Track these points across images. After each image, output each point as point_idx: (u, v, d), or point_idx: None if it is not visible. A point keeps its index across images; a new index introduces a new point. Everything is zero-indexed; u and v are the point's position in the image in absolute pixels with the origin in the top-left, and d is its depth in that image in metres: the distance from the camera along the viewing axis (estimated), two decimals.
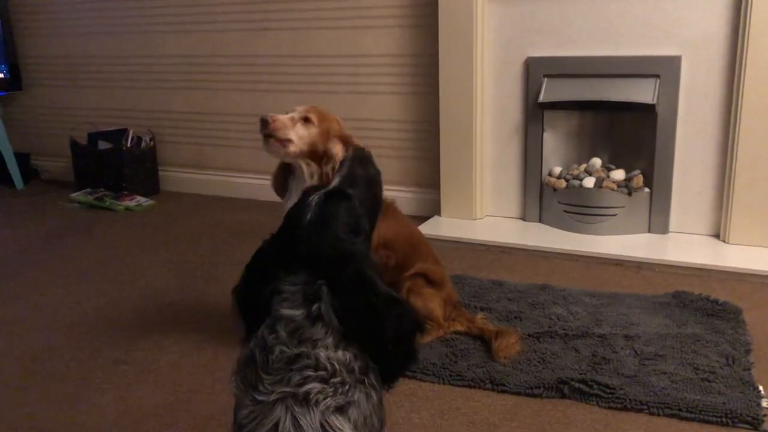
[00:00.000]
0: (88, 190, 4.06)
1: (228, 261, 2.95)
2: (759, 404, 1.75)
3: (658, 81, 2.86)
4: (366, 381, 1.09)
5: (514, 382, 1.89)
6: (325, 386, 1.04)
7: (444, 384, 1.93)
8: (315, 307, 1.07)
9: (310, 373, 1.05)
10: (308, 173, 2.05)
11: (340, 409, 1.05)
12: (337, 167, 1.98)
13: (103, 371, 2.07)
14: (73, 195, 4.02)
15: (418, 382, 1.95)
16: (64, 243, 3.29)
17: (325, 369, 1.05)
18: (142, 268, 2.93)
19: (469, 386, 1.91)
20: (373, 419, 1.10)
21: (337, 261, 1.08)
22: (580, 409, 1.80)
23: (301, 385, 1.04)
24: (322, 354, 1.05)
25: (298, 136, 2.02)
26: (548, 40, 3.05)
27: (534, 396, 1.86)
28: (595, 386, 1.83)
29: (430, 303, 2.12)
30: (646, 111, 2.88)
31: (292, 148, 2.02)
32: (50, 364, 2.12)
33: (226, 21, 3.83)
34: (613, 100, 2.90)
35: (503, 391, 1.88)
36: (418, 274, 2.14)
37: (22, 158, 4.50)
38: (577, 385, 1.85)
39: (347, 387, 1.06)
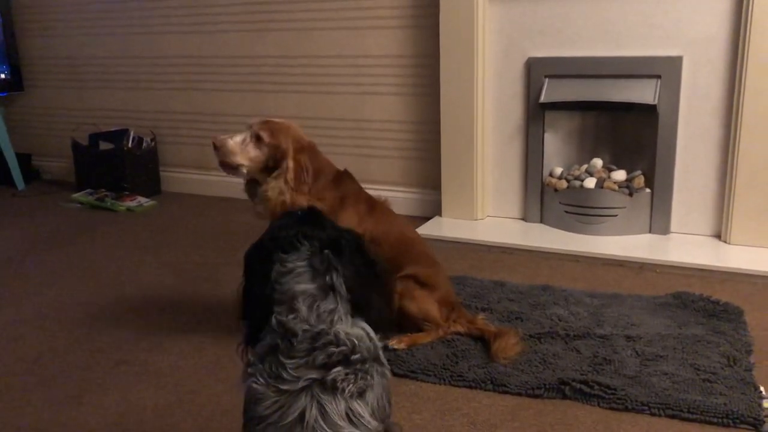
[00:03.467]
0: (89, 190, 4.06)
1: (229, 262, 2.95)
2: (760, 405, 1.75)
3: (659, 81, 2.86)
4: (380, 358, 1.13)
5: (515, 383, 1.89)
6: (348, 370, 1.07)
7: (445, 385, 1.94)
8: (328, 277, 1.11)
9: (332, 349, 1.07)
10: (263, 189, 2.05)
11: (361, 394, 1.07)
12: (289, 177, 2.00)
13: (105, 372, 2.07)
14: (74, 195, 4.02)
15: (419, 382, 1.95)
16: (65, 243, 3.29)
17: (346, 345, 1.08)
18: (143, 268, 2.93)
19: (470, 387, 1.91)
20: (384, 401, 1.13)
21: (335, 231, 1.16)
22: (581, 410, 1.80)
23: (325, 366, 1.06)
24: (341, 330, 1.09)
25: (249, 159, 2.04)
26: (549, 40, 3.05)
27: (535, 397, 1.86)
28: (596, 387, 1.83)
29: (425, 305, 2.12)
30: (648, 111, 2.88)
31: (244, 171, 2.05)
32: (52, 365, 2.12)
33: (228, 22, 3.83)
34: (614, 100, 2.90)
35: (504, 392, 1.88)
36: (409, 276, 2.13)
37: (24, 159, 4.50)
38: (578, 385, 1.85)
39: (367, 367, 1.09)
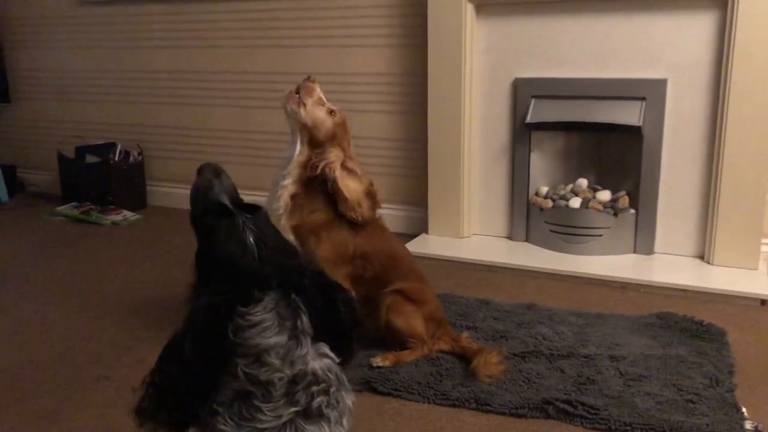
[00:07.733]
0: (75, 203, 4.03)
1: None
2: (742, 426, 1.75)
3: (644, 103, 2.89)
4: (345, 382, 1.13)
5: (498, 402, 1.89)
6: (329, 398, 1.06)
7: (429, 403, 1.93)
8: (298, 322, 1.08)
9: (314, 388, 1.06)
10: (299, 146, 2.15)
11: (340, 420, 1.08)
12: (326, 168, 2.06)
13: (85, 387, 2.05)
14: (59, 208, 4.00)
15: (403, 401, 1.94)
16: (49, 257, 3.26)
17: (325, 381, 1.07)
18: (127, 283, 2.91)
19: (454, 406, 1.91)
20: (352, 421, 1.13)
21: (297, 270, 1.12)
22: (564, 430, 1.80)
23: (309, 403, 1.05)
24: (318, 367, 1.07)
25: (312, 110, 2.14)
26: (536, 61, 3.08)
27: (519, 416, 1.85)
28: (580, 407, 1.83)
29: (412, 320, 2.12)
30: (632, 133, 2.91)
31: (301, 112, 2.14)
32: (32, 380, 2.09)
33: (216, 37, 3.84)
34: (599, 121, 2.93)
35: (488, 411, 1.88)
36: (397, 291, 2.14)
37: (9, 171, 4.47)
38: (561, 405, 1.85)
39: (342, 394, 1.09)
